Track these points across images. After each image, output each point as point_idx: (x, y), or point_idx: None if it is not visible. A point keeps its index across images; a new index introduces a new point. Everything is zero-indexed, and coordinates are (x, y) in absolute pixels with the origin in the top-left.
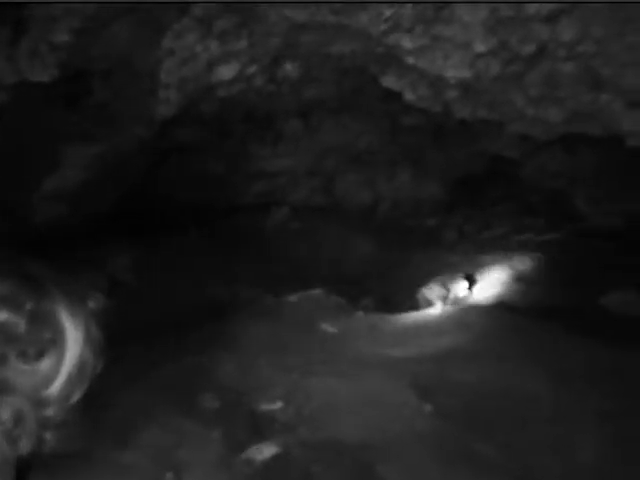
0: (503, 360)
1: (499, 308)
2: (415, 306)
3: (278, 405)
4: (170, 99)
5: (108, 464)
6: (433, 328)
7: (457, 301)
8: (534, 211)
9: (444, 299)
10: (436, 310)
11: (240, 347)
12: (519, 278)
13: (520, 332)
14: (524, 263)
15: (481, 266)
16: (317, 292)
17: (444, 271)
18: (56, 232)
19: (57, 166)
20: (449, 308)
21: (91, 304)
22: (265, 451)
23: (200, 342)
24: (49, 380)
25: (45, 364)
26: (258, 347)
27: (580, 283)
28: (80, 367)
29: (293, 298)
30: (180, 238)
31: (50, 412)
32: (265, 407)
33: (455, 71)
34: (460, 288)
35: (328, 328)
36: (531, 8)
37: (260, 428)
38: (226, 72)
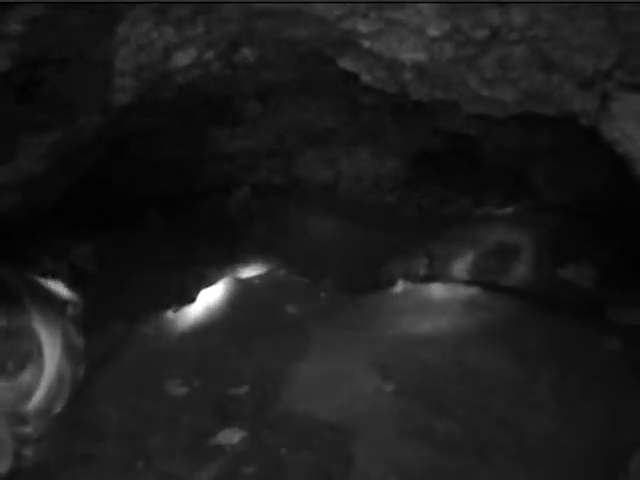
0: (463, 338)
1: (459, 285)
2: (377, 285)
3: (245, 389)
4: (126, 86)
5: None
6: (394, 307)
7: (418, 278)
8: (492, 186)
9: (405, 276)
10: (397, 289)
11: (205, 332)
12: (478, 253)
13: (479, 309)
14: (483, 237)
15: (441, 241)
16: (280, 273)
17: (405, 247)
18: (13, 223)
19: (11, 156)
20: (410, 286)
21: (69, 310)
22: (234, 436)
23: (164, 328)
24: (29, 394)
25: (24, 378)
26: (223, 331)
27: (538, 257)
28: (60, 378)
29: (256, 280)
30: (141, 224)
31: (29, 428)
32: (232, 392)
33: (410, 54)
34: (421, 265)
35: (292, 310)
36: None
37: (228, 413)
38: (183, 58)
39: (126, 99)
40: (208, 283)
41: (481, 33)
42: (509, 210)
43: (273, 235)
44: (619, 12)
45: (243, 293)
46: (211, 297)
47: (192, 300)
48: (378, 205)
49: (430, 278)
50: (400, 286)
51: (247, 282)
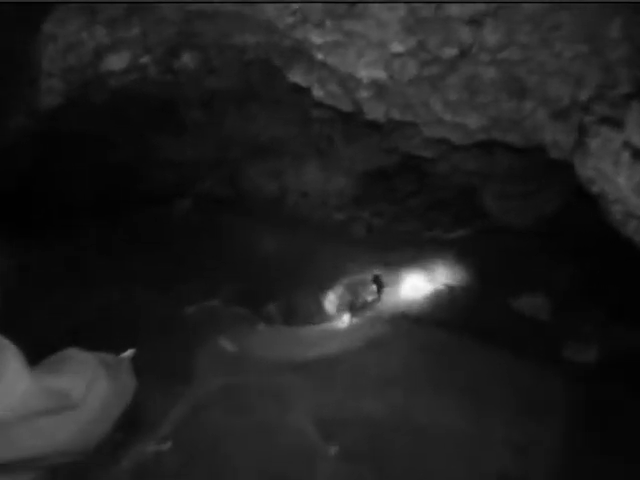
0: (411, 386)
1: (407, 319)
2: (322, 313)
3: (167, 446)
4: (54, 88)
5: None
6: (339, 347)
7: (365, 307)
8: (443, 207)
9: (352, 305)
10: (342, 323)
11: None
12: (428, 279)
13: (430, 349)
14: (433, 262)
15: (390, 265)
16: (215, 303)
17: (352, 270)
18: None
19: None
20: (356, 322)
21: None
22: None
23: None
24: None
25: None
26: (149, 372)
27: (491, 285)
28: None
29: (190, 310)
30: (73, 235)
31: None
32: (153, 448)
33: (368, 70)
34: (368, 292)
35: (227, 345)
36: (453, 9)
37: (147, 473)
38: (116, 62)
39: (55, 101)
40: (137, 307)
41: (449, 51)
42: (460, 233)
43: (214, 250)
44: (605, 37)
45: (174, 325)
46: (139, 329)
47: (117, 330)
48: (325, 222)
49: (377, 309)
50: (345, 320)
51: (180, 312)
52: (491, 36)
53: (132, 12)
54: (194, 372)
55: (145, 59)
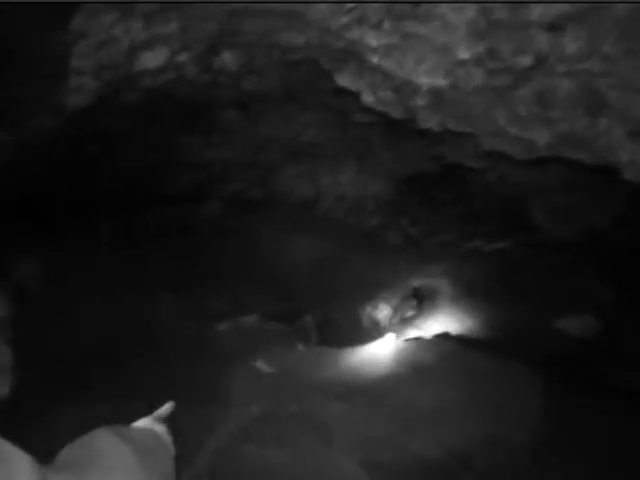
0: (463, 422)
1: (449, 339)
2: (360, 329)
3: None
4: (84, 87)
5: None
6: (382, 372)
7: (405, 322)
8: (485, 217)
9: (391, 321)
10: (383, 344)
11: (153, 395)
12: (469, 294)
13: (476, 375)
14: (474, 275)
15: (428, 276)
16: (251, 319)
17: (390, 282)
18: None
19: None
20: (398, 342)
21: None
22: None
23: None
24: None
25: None
26: (182, 397)
27: (534, 302)
28: None
29: (223, 327)
30: (97, 237)
31: None
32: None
33: (428, 77)
34: (408, 307)
35: (263, 367)
36: (534, 10)
37: None
38: (152, 59)
39: (84, 100)
40: (164, 326)
41: (523, 60)
42: (502, 245)
43: (244, 257)
44: None
45: (205, 344)
46: (166, 348)
47: (141, 348)
48: (360, 228)
49: (417, 325)
50: (387, 341)
51: (211, 329)
52: (572, 45)
53: (170, 6)
54: (230, 397)
55: (183, 57)
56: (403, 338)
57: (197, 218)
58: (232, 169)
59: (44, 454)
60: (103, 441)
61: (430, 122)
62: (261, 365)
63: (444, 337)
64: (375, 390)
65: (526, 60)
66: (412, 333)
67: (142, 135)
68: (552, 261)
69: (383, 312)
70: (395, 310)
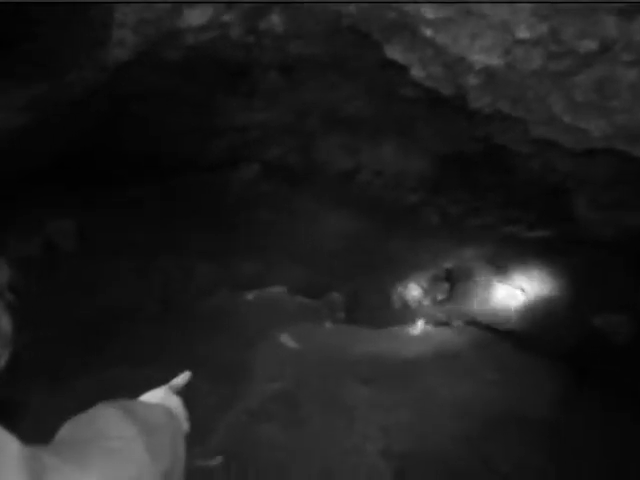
0: (488, 418)
1: (479, 327)
2: (389, 309)
3: (218, 461)
4: (126, 41)
5: None
6: (409, 357)
7: (435, 305)
8: (528, 204)
9: (422, 302)
10: (412, 328)
11: (171, 364)
12: (503, 280)
13: (504, 367)
14: (510, 261)
15: (463, 260)
16: (279, 291)
17: (423, 263)
18: None
19: None
20: (426, 326)
21: (6, 297)
22: None
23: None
24: None
25: None
26: (200, 370)
27: (570, 296)
28: None
29: (250, 296)
30: (132, 198)
31: None
32: (201, 463)
33: (483, 55)
34: (439, 289)
35: (288, 342)
36: None
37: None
38: (196, 17)
39: (125, 55)
40: (196, 288)
41: (586, 45)
42: (541, 233)
43: (279, 225)
44: None
45: (232, 312)
46: (195, 313)
47: (172, 313)
48: (398, 205)
49: (447, 310)
50: (415, 324)
51: (239, 298)
52: None
53: None
54: (251, 373)
55: (228, 17)
56: (432, 323)
57: (233, 182)
58: (271, 133)
59: (52, 421)
60: (107, 419)
61: (481, 102)
62: (286, 340)
63: (473, 324)
64: (400, 375)
65: (590, 45)
66: (441, 317)
67: (182, 94)
68: (592, 256)
69: (414, 293)
70: (426, 292)
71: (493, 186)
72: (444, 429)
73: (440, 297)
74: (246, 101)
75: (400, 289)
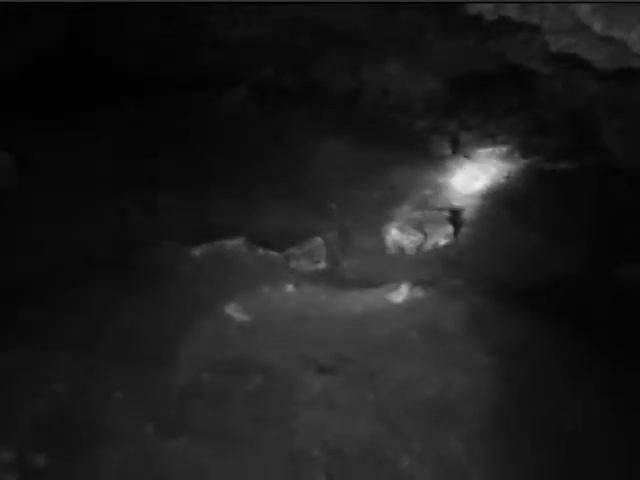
0: (475, 429)
1: (489, 280)
2: (378, 261)
3: None
4: None
5: None
6: (384, 336)
7: (436, 255)
8: (549, 132)
9: (420, 249)
10: (399, 297)
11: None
12: (518, 223)
13: (507, 357)
14: (526, 200)
15: (473, 197)
16: (234, 243)
17: (428, 201)
18: None
19: None
20: (416, 294)
21: None
22: None
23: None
24: None
25: None
26: (115, 345)
27: (594, 243)
28: None
29: (196, 252)
30: (101, 125)
31: None
32: None
33: None
34: (441, 233)
35: (235, 314)
36: None
37: None
38: None
39: None
40: (161, 228)
41: None
42: (563, 165)
43: (266, 154)
44: None
45: (171, 276)
46: (130, 278)
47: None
48: (405, 130)
49: (448, 258)
50: (403, 292)
51: (184, 254)
52: None
53: None
54: (178, 357)
55: None
56: (424, 283)
57: (218, 106)
58: (262, 52)
59: None
60: None
61: (481, 5)
62: (232, 311)
63: (477, 282)
64: (369, 362)
65: None
66: (440, 271)
67: (157, 7)
68: (620, 194)
69: (410, 236)
70: (426, 237)
71: (509, 111)
72: (415, 448)
73: (442, 242)
74: (228, 13)
75: (394, 232)
